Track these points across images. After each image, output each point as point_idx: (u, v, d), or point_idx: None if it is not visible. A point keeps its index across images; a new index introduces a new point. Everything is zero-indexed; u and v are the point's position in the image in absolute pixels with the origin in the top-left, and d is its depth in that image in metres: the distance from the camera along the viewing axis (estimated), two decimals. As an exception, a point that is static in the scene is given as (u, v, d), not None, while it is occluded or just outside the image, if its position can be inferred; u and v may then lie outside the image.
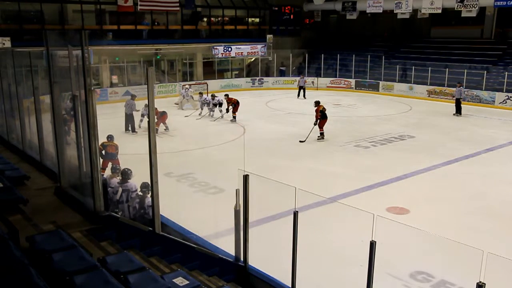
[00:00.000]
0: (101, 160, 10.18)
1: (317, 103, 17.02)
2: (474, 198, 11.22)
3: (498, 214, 10.25)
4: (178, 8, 29.37)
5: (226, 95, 21.05)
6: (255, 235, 7.36)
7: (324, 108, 16.89)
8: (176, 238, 6.73)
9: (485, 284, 3.94)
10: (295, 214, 5.50)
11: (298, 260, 5.59)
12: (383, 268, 6.28)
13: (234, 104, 20.32)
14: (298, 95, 27.50)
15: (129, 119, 17.39)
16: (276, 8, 34.67)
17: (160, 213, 6.60)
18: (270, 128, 19.18)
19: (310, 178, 12.20)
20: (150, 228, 6.59)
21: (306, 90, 27.65)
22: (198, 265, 6.30)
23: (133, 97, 17.92)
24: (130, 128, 17.39)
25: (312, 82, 30.86)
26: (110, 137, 11.87)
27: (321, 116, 16.68)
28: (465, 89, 25.96)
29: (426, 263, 7.81)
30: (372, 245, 5.02)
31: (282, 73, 33.11)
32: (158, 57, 29.74)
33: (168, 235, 6.70)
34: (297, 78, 29.27)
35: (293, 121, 20.46)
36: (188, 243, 6.66)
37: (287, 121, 20.50)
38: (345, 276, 7.19)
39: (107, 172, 9.59)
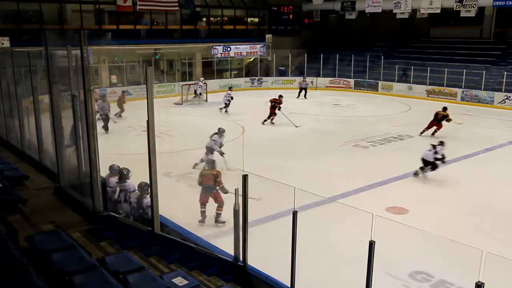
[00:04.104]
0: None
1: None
2: (473, 198, 11.22)
3: (497, 214, 10.26)
4: (177, 8, 29.40)
5: (280, 96, 20.46)
6: (255, 235, 7.35)
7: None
8: (175, 238, 6.74)
9: (484, 283, 3.94)
10: (294, 214, 5.49)
11: (298, 259, 5.59)
12: (382, 268, 6.28)
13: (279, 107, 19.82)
14: (298, 95, 27.47)
15: (104, 119, 17.54)
16: (275, 8, 34.69)
17: (159, 213, 6.60)
18: (270, 128, 19.17)
19: (310, 178, 12.18)
20: (150, 228, 6.59)
21: (307, 91, 27.65)
22: (198, 265, 6.30)
23: (103, 97, 18.63)
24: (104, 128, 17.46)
25: (311, 82, 30.85)
26: (209, 163, 9.75)
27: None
28: (464, 89, 26.11)
29: (425, 263, 7.82)
30: (371, 245, 5.03)
31: (281, 73, 33.11)
32: (157, 57, 29.76)
33: (167, 235, 6.70)
34: (297, 78, 29.26)
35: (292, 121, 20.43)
36: (187, 243, 6.66)
37: (287, 121, 20.46)
38: (345, 276, 7.18)
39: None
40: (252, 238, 6.18)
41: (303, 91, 27.46)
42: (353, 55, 30.98)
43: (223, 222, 9.10)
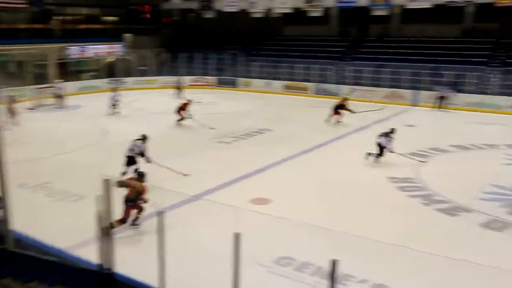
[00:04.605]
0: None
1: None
2: (330, 183, 12.11)
3: (352, 196, 11.25)
4: (25, 6, 27.19)
5: (189, 100, 19.73)
6: (121, 240, 7.21)
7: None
8: (33, 254, 6.32)
9: (338, 260, 4.32)
10: (160, 214, 5.49)
11: (167, 261, 5.62)
12: (249, 258, 6.57)
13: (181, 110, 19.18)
14: (175, 94, 27.24)
15: None
16: (133, 7, 33.89)
17: (14, 228, 6.15)
18: (133, 129, 18.58)
19: (177, 177, 12.19)
20: (2, 246, 6.10)
21: (180, 90, 27.46)
22: (60, 279, 5.99)
23: None
24: None
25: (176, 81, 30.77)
26: (140, 174, 9.28)
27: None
28: (316, 83, 28.21)
29: (288, 248, 8.28)
30: (237, 236, 5.25)
31: (142, 73, 32.47)
32: (8, 58, 27.23)
33: (24, 252, 6.27)
34: (172, 78, 29.35)
35: (156, 121, 20.19)
36: (47, 258, 6.30)
37: (150, 121, 20.17)
38: (214, 271, 7.34)
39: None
40: (119, 244, 6.08)
41: (179, 90, 27.31)
42: (213, 53, 31.59)
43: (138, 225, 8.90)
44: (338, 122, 19.59)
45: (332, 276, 4.42)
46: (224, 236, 5.43)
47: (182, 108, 19.16)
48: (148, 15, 34.67)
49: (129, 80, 31.25)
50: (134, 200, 8.70)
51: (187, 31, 36.18)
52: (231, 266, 5.05)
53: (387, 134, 13.76)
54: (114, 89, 22.64)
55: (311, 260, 7.83)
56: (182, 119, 19.05)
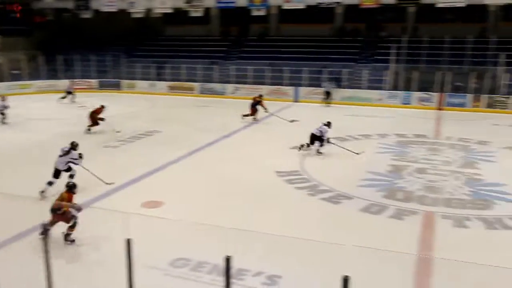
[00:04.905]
0: None
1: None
2: (220, 181, 12.28)
3: (242, 192, 11.50)
4: None
5: (102, 106, 18.38)
6: (5, 260, 6.73)
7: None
8: None
9: (231, 256, 4.48)
10: (44, 228, 5.27)
11: (55, 278, 5.39)
12: (143, 263, 6.51)
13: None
14: (63, 98, 25.66)
15: None
16: (0, 6, 31.31)
17: None
18: (11, 137, 17.38)
19: (61, 186, 11.56)
20: None
21: (72, 94, 25.97)
22: None
23: None
24: None
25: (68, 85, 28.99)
26: (69, 186, 8.82)
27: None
28: (201, 83, 28.44)
29: (183, 249, 8.29)
30: (128, 242, 5.19)
31: (15, 77, 30.13)
32: None
33: None
34: (49, 82, 28.26)
35: (36, 128, 18.93)
36: None
37: (30, 128, 18.87)
38: (108, 279, 7.17)
39: None
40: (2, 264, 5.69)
41: (71, 95, 25.77)
42: (93, 55, 30.40)
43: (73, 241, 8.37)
44: (254, 119, 20.33)
45: (227, 273, 4.59)
46: (116, 243, 5.34)
47: (97, 112, 18.28)
48: (18, 15, 32.19)
49: (1, 85, 28.83)
50: (59, 209, 8.28)
51: (64, 32, 34.20)
52: (124, 273, 5.00)
53: (323, 127, 14.82)
54: (2, 97, 20.66)
55: (207, 259, 7.91)
56: (94, 124, 18.11)
